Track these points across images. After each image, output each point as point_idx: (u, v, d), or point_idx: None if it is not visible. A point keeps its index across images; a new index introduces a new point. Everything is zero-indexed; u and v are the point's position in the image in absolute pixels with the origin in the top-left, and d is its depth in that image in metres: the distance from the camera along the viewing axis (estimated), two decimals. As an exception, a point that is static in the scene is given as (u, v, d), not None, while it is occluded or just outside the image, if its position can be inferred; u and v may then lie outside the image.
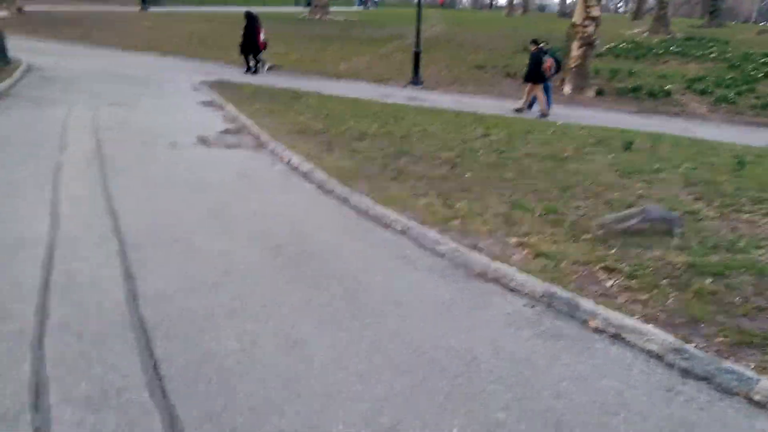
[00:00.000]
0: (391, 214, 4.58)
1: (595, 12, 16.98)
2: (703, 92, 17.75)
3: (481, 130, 9.02)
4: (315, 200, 5.15)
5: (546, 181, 5.82)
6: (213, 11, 20.40)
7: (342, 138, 7.42)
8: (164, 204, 4.76)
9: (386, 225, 4.52)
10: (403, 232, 4.36)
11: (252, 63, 14.34)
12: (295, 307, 3.16)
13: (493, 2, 66.41)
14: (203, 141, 7.04)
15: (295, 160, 6.26)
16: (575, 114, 15.08)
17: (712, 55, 21.53)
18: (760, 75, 19.35)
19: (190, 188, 5.22)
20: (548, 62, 12.10)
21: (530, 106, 12.93)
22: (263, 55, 15.03)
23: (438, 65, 18.62)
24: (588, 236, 4.25)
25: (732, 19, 46.28)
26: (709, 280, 3.48)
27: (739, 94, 17.76)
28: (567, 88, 17.37)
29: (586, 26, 17.08)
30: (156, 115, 8.40)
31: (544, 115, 12.04)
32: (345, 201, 5.06)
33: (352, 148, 6.84)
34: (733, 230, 4.46)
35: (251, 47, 14.06)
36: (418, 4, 16.08)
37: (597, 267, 3.71)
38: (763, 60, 20.67)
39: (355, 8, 40.10)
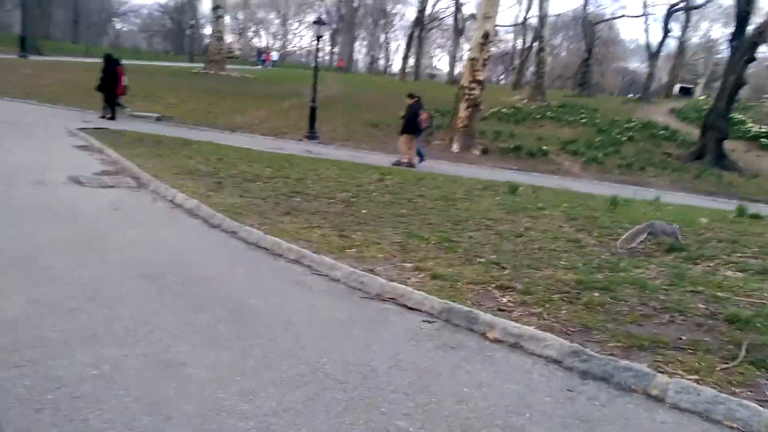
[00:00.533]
0: (283, 243, 4.35)
1: (481, 76, 18.23)
2: (575, 153, 19.40)
3: (375, 175, 9.10)
4: (200, 233, 4.80)
5: (439, 216, 5.88)
6: (95, 62, 19.40)
7: (233, 179, 7.13)
8: (24, 232, 4.19)
9: (278, 254, 4.27)
10: (297, 260, 4.13)
11: (108, 111, 13.39)
12: (171, 330, 2.81)
13: (388, 68, 69.74)
14: (75, 180, 6.41)
15: (180, 197, 5.87)
16: (462, 170, 15.73)
17: (583, 121, 23.77)
18: (624, 139, 21.58)
19: (57, 220, 4.68)
20: (424, 115, 12.63)
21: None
22: (123, 101, 14.09)
23: (334, 122, 18.89)
24: (481, 260, 4.26)
25: (599, 92, 51.82)
26: (596, 294, 3.56)
27: (606, 155, 19.60)
28: (455, 147, 18.25)
29: (472, 89, 18.24)
30: (24, 156, 7.62)
31: (410, 165, 12.27)
32: (233, 234, 4.76)
33: (244, 188, 6.56)
34: (614, 254, 4.69)
35: (108, 90, 13.25)
36: (315, 63, 16.42)
37: (492, 286, 3.69)
38: (626, 125, 23.12)
39: (255, 68, 40.30)
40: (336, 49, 66.85)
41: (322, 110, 17.20)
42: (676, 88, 42.26)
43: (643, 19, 34.82)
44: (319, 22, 14.38)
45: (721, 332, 3.00)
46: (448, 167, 15.43)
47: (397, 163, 12.38)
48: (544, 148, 19.76)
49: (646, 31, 38.91)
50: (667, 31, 32.74)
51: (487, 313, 3.15)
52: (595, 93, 41.75)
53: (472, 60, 18.32)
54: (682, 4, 31.86)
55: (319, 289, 3.61)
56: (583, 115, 24.73)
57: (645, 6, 33.33)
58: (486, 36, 17.67)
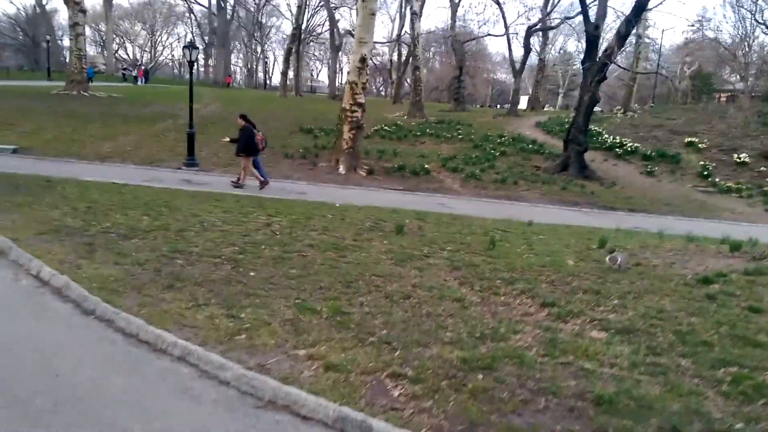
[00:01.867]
0: (167, 336, 4.14)
1: (362, 99, 18.51)
2: (455, 170, 20.31)
3: (263, 218, 8.92)
4: (72, 324, 4.44)
5: (330, 275, 5.90)
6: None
7: (106, 237, 6.66)
8: None
9: (162, 349, 4.06)
10: (182, 357, 3.95)
11: None
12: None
13: (268, 82, 68.47)
14: None
15: (46, 271, 5.39)
16: (352, 194, 15.87)
17: (460, 137, 24.97)
18: (497, 153, 22.93)
19: None
20: (259, 136, 12.72)
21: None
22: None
23: (215, 146, 18.27)
24: (373, 339, 4.35)
25: (471, 103, 54.68)
26: (480, 376, 3.78)
27: (482, 170, 20.70)
28: (341, 169, 18.39)
29: (354, 111, 18.47)
30: None
31: (239, 185, 12.49)
32: (109, 323, 4.45)
33: (119, 251, 6.15)
34: (494, 315, 4.99)
35: None
36: (190, 85, 15.70)
37: (384, 375, 3.79)
38: (499, 141, 24.61)
39: (122, 84, 37.69)
40: (211, 62, 64.50)
41: (200, 132, 16.55)
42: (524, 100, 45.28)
43: (506, 37, 37.21)
44: (190, 46, 13.81)
45: (590, 417, 3.31)
46: (336, 191, 15.50)
47: (237, 185, 12.49)
48: (426, 166, 20.46)
49: (509, 47, 41.75)
50: (528, 50, 35.25)
51: (380, 418, 3.22)
52: (469, 103, 43.99)
53: (351, 83, 18.57)
54: (539, 25, 34.48)
55: (208, 398, 3.49)
56: (459, 131, 25.96)
57: (507, 26, 35.59)
58: (363, 60, 17.97)
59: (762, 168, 24.24)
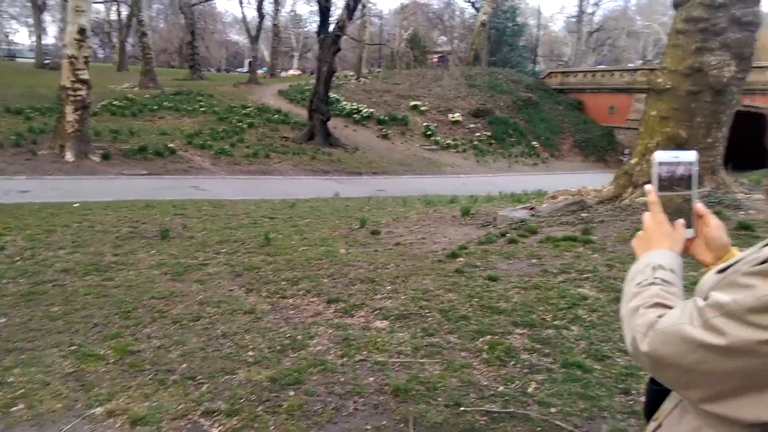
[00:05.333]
0: None
1: (85, 75, 16.43)
2: (203, 147, 19.58)
3: (-10, 241, 7.58)
4: None
5: (102, 307, 5.42)
6: None
7: None
8: None
9: None
10: (-53, 456, 3.35)
11: None
12: None
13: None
14: None
15: None
16: (88, 186, 14.33)
17: (203, 109, 23.94)
18: (245, 126, 22.70)
19: None
20: None
21: None
22: None
23: None
24: (174, 377, 4.24)
25: (206, 67, 52.12)
26: (292, 393, 4.04)
27: (232, 145, 20.36)
28: (69, 155, 16.26)
29: (77, 90, 16.36)
30: None
31: None
32: None
33: None
34: (287, 321, 5.25)
35: None
36: None
37: (197, 414, 3.77)
38: (244, 112, 24.29)
39: None
40: None
41: None
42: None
43: (238, 1, 36.37)
44: None
45: (392, 410, 3.84)
46: (68, 184, 13.81)
47: None
48: (171, 145, 19.33)
49: (243, 13, 40.92)
50: (262, 15, 35.01)
51: (209, 467, 3.26)
52: (204, 68, 41.98)
53: (71, 58, 16.37)
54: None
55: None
56: (201, 103, 24.88)
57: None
58: (82, 31, 15.99)
59: (471, 125, 28.66)
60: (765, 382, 0.86)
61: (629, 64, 46.26)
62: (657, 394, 1.18)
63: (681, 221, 1.18)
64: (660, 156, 1.16)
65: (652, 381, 1.24)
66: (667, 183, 1.17)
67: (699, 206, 1.20)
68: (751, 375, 0.86)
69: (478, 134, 27.50)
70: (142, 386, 4.10)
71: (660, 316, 0.98)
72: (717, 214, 5.20)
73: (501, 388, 3.98)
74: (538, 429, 3.52)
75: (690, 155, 1.17)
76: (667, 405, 1.12)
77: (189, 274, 6.46)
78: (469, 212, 9.12)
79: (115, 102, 22.78)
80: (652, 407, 1.20)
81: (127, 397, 3.94)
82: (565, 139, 29.73)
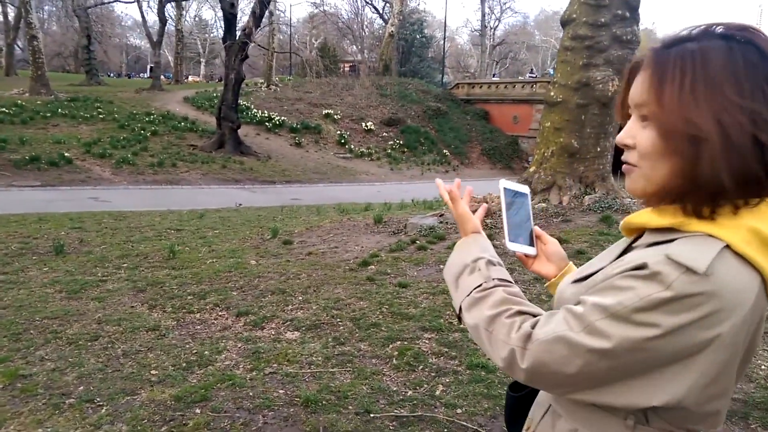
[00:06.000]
0: None
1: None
2: (102, 156, 18.54)
3: None
4: None
5: (-13, 330, 5.01)
6: None
7: None
8: None
9: None
10: None
11: None
12: None
13: None
14: None
15: None
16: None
17: (102, 116, 22.62)
18: (149, 133, 21.70)
19: None
20: None
21: None
22: None
23: None
24: (71, 400, 4.00)
25: (105, 72, 49.33)
26: (198, 411, 3.93)
27: (135, 154, 19.44)
28: (-50, 166, 14.87)
29: (-44, 94, 14.99)
30: None
31: None
32: None
33: None
34: (194, 337, 5.10)
35: None
36: None
37: (96, 440, 3.59)
38: (147, 119, 23.20)
39: None
40: None
41: None
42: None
43: (138, 6, 34.90)
44: None
45: (303, 421, 3.84)
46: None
47: None
48: (66, 154, 18.22)
49: (143, 18, 39.01)
50: (164, 21, 33.76)
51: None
52: (103, 72, 39.81)
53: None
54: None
55: None
56: (99, 110, 23.56)
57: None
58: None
59: (384, 133, 29.08)
60: (641, 370, 0.91)
61: (521, 77, 49.01)
62: (517, 401, 1.24)
63: (484, 205, 1.39)
64: (504, 183, 1.32)
65: (511, 388, 1.30)
66: (509, 204, 1.32)
67: (536, 228, 1.35)
68: (631, 367, 0.91)
69: (391, 142, 27.95)
70: (35, 411, 3.84)
71: (533, 326, 1.00)
72: (607, 218, 5.62)
73: (410, 393, 4.09)
74: (445, 431, 3.66)
75: (526, 189, 1.37)
76: (535, 414, 1.16)
77: (86, 291, 6.11)
78: (382, 220, 9.26)
79: (2, 109, 21.01)
80: (513, 415, 1.26)
81: (19, 424, 3.68)
82: (473, 147, 30.86)
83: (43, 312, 5.47)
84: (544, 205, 8.80)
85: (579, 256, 6.75)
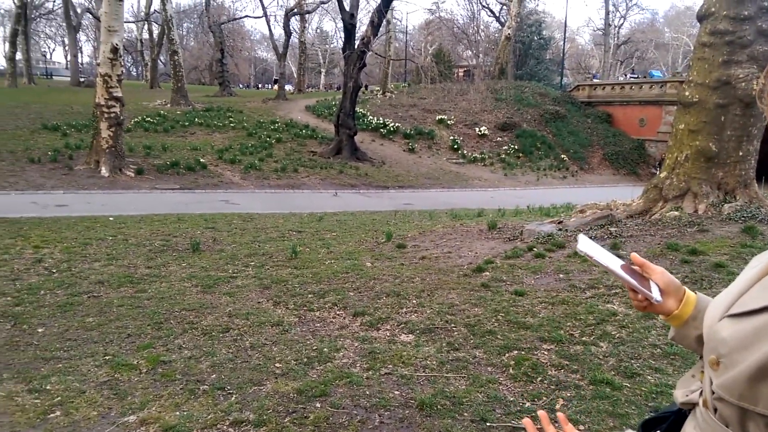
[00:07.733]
0: (-40, 439, 3.59)
1: (118, 93, 16.93)
2: (233, 161, 19.92)
3: (29, 251, 7.86)
4: None
5: (135, 318, 5.57)
6: None
7: None
8: None
9: (-44, 457, 3.51)
10: (-11, 461, 3.48)
11: None
12: None
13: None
14: None
15: None
16: (122, 200, 14.70)
17: (232, 125, 24.40)
18: (273, 141, 23.04)
19: None
20: None
21: None
22: None
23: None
24: (204, 387, 4.33)
25: (235, 84, 53.22)
26: (318, 405, 4.08)
27: (261, 160, 20.68)
28: (104, 170, 16.74)
29: (111, 107, 16.84)
30: None
31: None
32: None
33: None
34: (314, 334, 5.31)
35: None
36: None
37: (226, 424, 3.84)
38: (272, 127, 24.67)
39: None
40: None
41: None
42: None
43: (265, 20, 37.28)
44: None
45: (418, 424, 3.86)
46: (103, 198, 14.19)
47: None
48: (202, 160, 19.73)
49: (270, 30, 41.51)
50: (288, 33, 35.64)
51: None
52: (233, 84, 42.85)
53: (104, 76, 16.90)
54: (296, 9, 35.09)
55: (39, 504, 3.18)
56: (231, 119, 25.36)
57: (264, 9, 35.58)
58: (115, 50, 16.51)
59: (498, 138, 28.57)
60: None
61: (647, 76, 45.71)
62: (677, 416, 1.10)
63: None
64: (583, 241, 1.19)
65: (644, 427, 1.16)
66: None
67: (634, 256, 1.23)
68: None
69: (505, 147, 27.38)
70: (174, 395, 4.20)
71: None
72: (750, 228, 5.08)
73: (527, 404, 3.96)
74: (565, 445, 3.50)
75: (582, 236, 1.24)
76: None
77: (219, 286, 6.59)
78: (496, 226, 9.09)
79: (147, 118, 23.38)
80: (655, 425, 1.13)
81: (159, 406, 4.04)
82: (594, 152, 29.38)
83: (181, 304, 5.97)
84: (676, 213, 8.15)
85: (717, 270, 6.17)
